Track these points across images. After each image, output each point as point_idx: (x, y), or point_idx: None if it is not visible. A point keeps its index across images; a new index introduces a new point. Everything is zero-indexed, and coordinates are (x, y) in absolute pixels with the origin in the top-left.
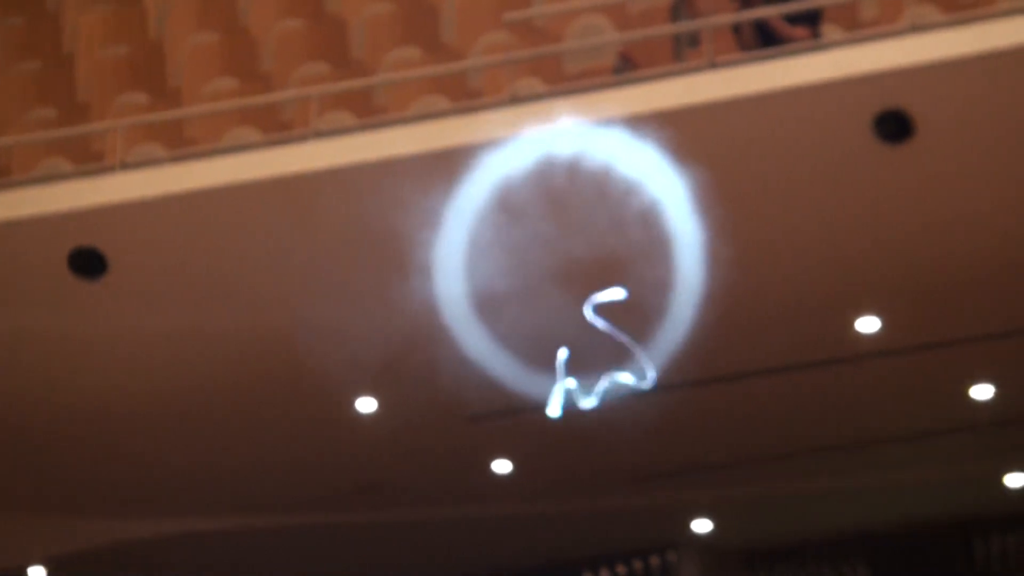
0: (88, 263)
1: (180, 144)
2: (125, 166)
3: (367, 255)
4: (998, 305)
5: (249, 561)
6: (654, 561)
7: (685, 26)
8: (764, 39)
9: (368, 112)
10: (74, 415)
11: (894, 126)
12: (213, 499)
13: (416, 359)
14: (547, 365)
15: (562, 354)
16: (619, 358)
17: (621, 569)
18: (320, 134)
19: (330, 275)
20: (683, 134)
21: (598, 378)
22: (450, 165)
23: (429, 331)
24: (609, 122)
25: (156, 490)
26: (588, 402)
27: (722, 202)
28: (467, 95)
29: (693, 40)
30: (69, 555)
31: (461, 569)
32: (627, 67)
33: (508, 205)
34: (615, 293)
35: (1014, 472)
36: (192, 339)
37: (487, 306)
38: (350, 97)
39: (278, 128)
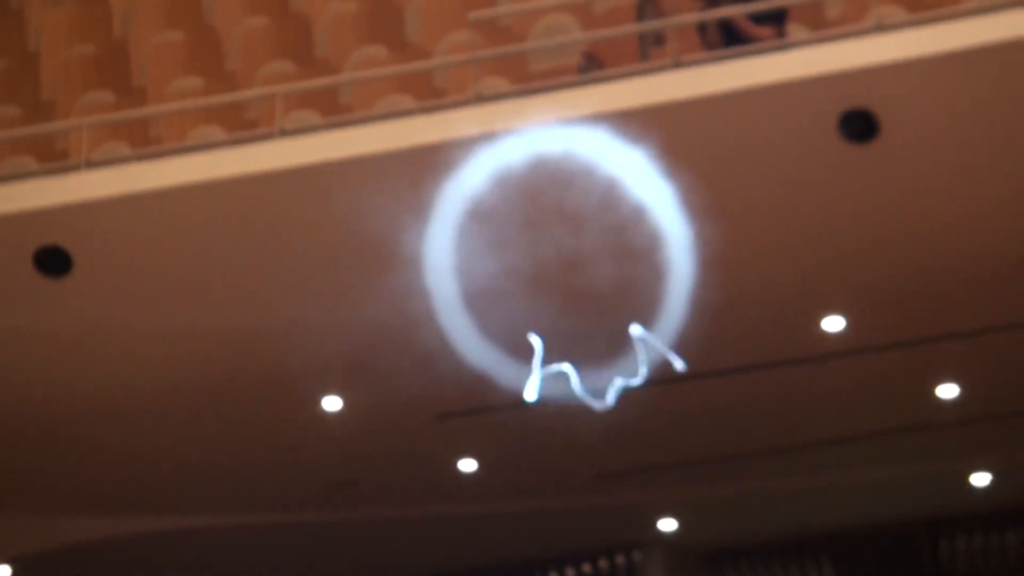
0: (54, 262)
1: (145, 143)
2: (90, 164)
3: (333, 254)
4: (963, 304)
5: (215, 560)
6: (620, 560)
7: (650, 25)
8: (729, 38)
9: (334, 111)
10: (39, 413)
11: (859, 125)
12: (179, 498)
13: (383, 357)
14: (516, 363)
15: (536, 342)
16: (591, 355)
17: (587, 568)
18: (285, 133)
19: (296, 274)
20: (648, 133)
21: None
22: (416, 164)
23: (396, 329)
24: (574, 121)
25: (123, 489)
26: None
27: (686, 202)
28: (432, 94)
29: (658, 39)
30: (36, 554)
31: (427, 568)
32: (592, 66)
33: (476, 204)
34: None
35: (980, 472)
36: (158, 338)
37: (455, 304)
38: (315, 96)
39: (243, 127)
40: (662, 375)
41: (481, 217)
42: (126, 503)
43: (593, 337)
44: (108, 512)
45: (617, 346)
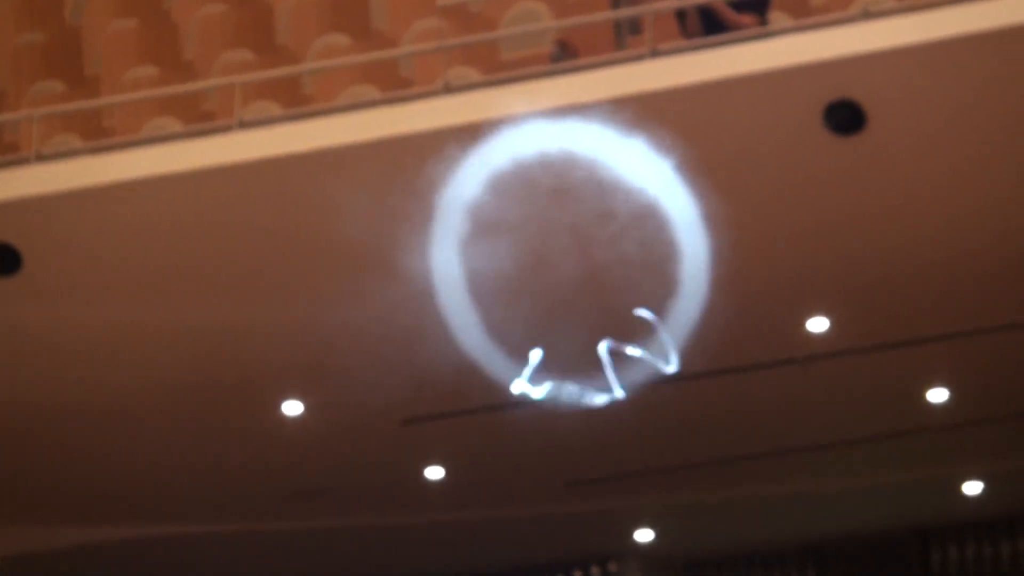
0: (2, 259)
1: (98, 135)
2: (41, 158)
3: (294, 251)
4: (954, 305)
5: (174, 570)
6: (595, 571)
7: (626, 12)
8: (709, 26)
9: (295, 102)
10: None
11: (845, 117)
12: (135, 505)
13: (345, 360)
14: (484, 367)
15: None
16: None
17: None
18: (244, 125)
19: (255, 273)
20: (624, 124)
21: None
22: (380, 157)
23: (359, 331)
24: (547, 112)
25: (76, 496)
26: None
27: (665, 201)
28: (398, 84)
29: (634, 27)
30: None
31: None
32: (565, 55)
33: (446, 200)
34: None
35: (972, 479)
36: (110, 339)
37: (420, 306)
38: (276, 86)
39: (200, 118)
40: (638, 379)
41: (452, 213)
42: (81, 511)
43: (567, 336)
44: (63, 521)
45: (592, 348)
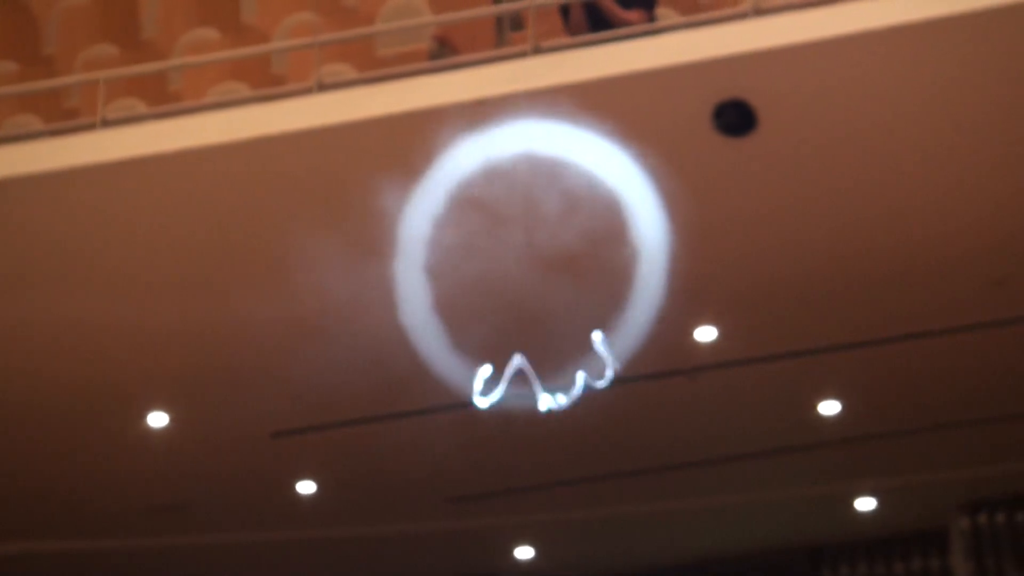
0: None
1: None
2: None
3: (162, 257)
4: (845, 315)
5: None
6: None
7: (508, 7)
8: (594, 22)
9: (161, 99)
10: None
11: (735, 118)
12: None
13: (213, 369)
14: (361, 378)
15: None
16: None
17: None
18: (108, 123)
19: (118, 276)
20: (503, 125)
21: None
22: (251, 157)
23: (228, 338)
24: (424, 111)
25: None
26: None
27: (549, 202)
28: (270, 81)
29: (516, 23)
30: None
31: None
32: (445, 52)
33: (321, 200)
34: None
35: (865, 496)
36: None
37: (295, 314)
38: (142, 83)
39: (62, 116)
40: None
41: (326, 215)
42: None
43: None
44: None
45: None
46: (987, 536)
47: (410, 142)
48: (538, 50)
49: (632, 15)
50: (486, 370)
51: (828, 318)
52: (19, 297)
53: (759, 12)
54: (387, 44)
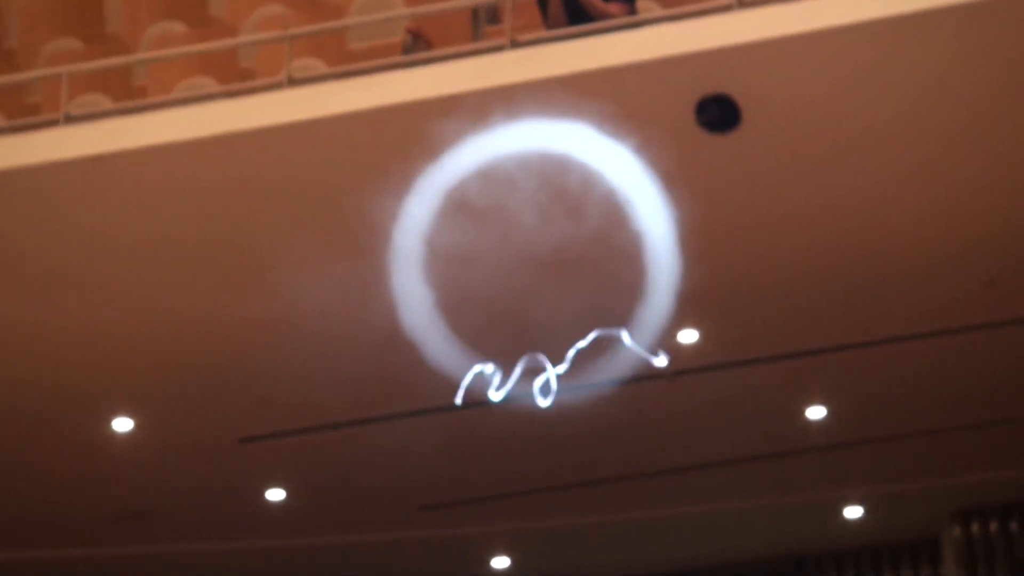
0: None
1: None
2: None
3: (126, 257)
4: (832, 319)
5: None
6: None
7: None
8: (573, 15)
9: (126, 95)
10: None
11: (718, 113)
12: None
13: (179, 373)
14: (328, 383)
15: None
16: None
17: None
18: (71, 119)
19: (81, 277)
20: (480, 121)
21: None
22: (219, 154)
23: (195, 341)
24: (397, 106)
25: None
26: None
27: (514, 204)
28: (238, 76)
29: (492, 16)
30: None
31: None
32: (419, 45)
33: (291, 199)
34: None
35: (853, 504)
36: None
37: (260, 314)
38: (106, 77)
39: (24, 112)
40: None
41: (301, 214)
42: None
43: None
44: None
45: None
46: (980, 545)
47: (383, 138)
48: (515, 44)
49: (612, 7)
50: (470, 371)
51: (815, 320)
52: None
53: (743, 4)
54: (359, 38)
